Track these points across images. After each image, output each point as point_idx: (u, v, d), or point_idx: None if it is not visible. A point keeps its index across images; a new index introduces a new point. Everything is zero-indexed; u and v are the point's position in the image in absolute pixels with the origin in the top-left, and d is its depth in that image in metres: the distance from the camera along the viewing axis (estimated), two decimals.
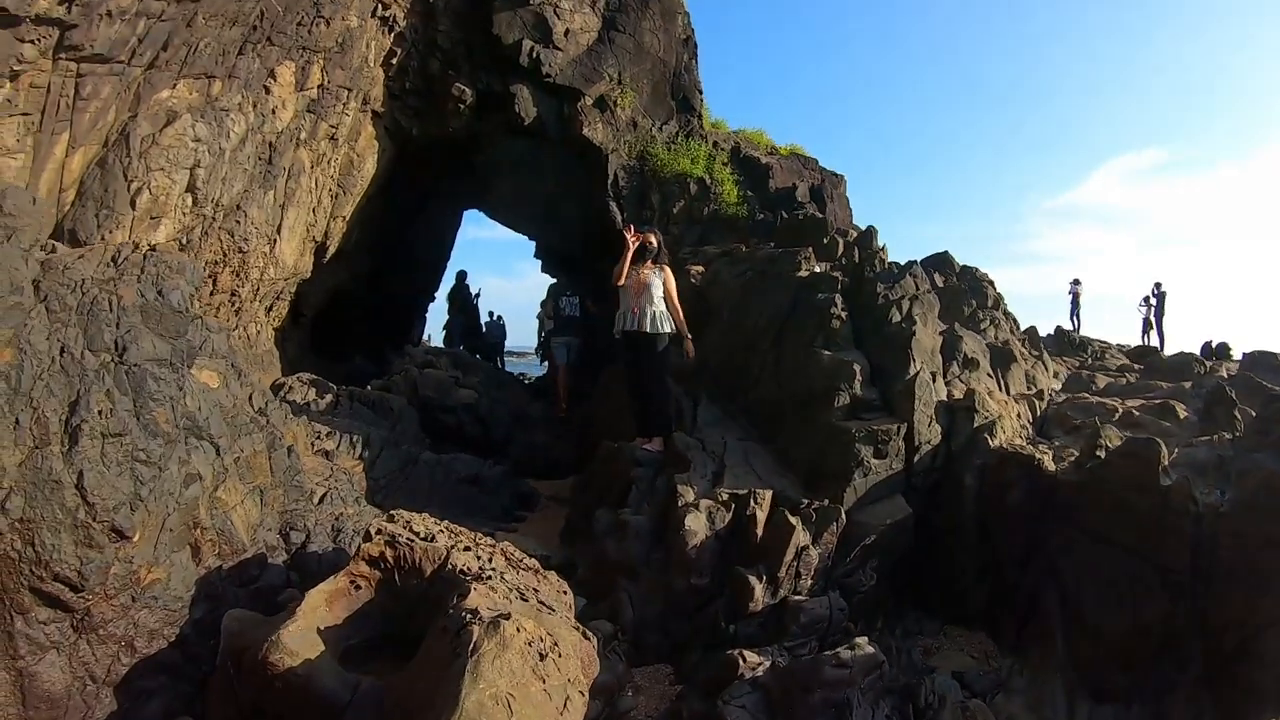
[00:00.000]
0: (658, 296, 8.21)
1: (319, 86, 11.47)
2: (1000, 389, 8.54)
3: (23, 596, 3.89)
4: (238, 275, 10.72)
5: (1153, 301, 24.37)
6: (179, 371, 4.64)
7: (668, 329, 8.23)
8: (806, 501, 6.63)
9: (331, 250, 13.19)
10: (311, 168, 11.84)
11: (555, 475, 10.71)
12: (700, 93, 14.43)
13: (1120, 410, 8.27)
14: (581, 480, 8.78)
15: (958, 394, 7.87)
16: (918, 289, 8.52)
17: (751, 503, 6.51)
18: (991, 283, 10.50)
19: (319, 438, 7.64)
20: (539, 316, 20.71)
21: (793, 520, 6.25)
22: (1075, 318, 25.44)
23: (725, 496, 6.67)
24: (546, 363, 15.04)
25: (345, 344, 16.87)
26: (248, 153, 10.20)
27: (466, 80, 13.05)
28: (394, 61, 12.97)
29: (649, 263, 8.38)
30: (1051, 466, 6.83)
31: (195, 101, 9.63)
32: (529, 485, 9.33)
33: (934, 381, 7.63)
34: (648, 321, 8.10)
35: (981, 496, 7.08)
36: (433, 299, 20.99)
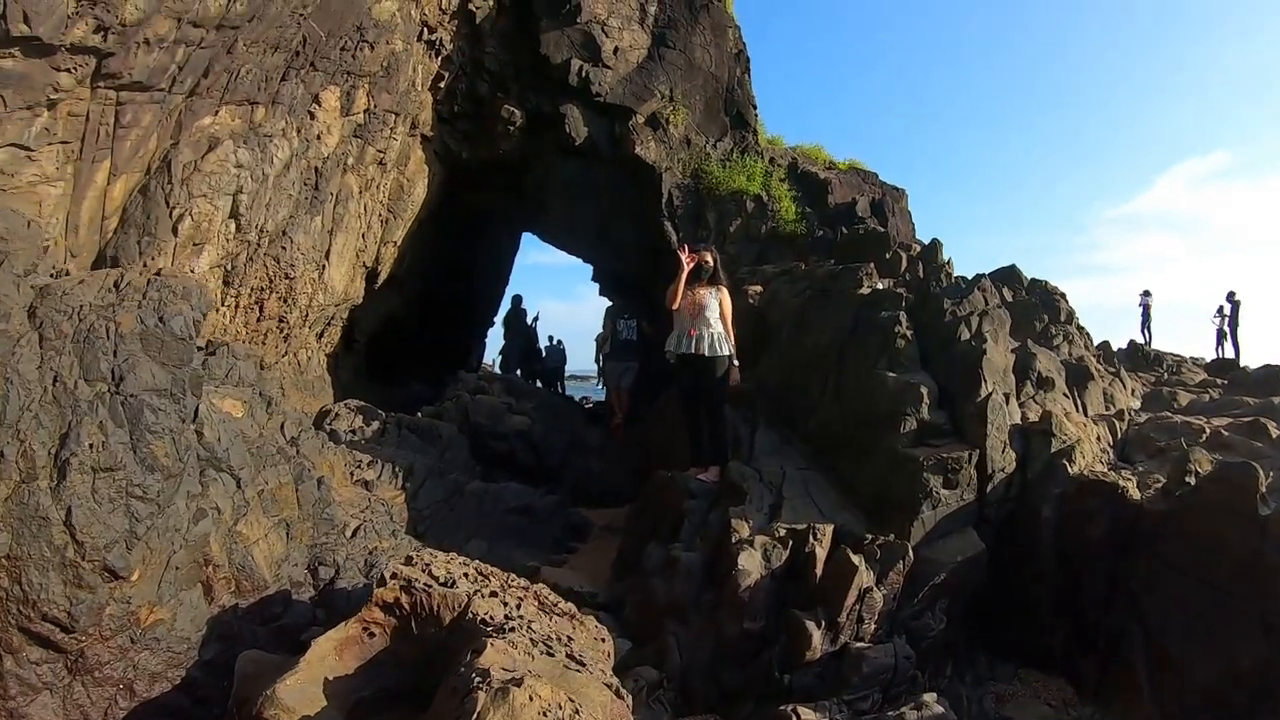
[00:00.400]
0: (714, 318, 7.79)
1: (365, 111, 11.38)
2: (1077, 409, 7.98)
3: (11, 636, 3.67)
4: (285, 301, 10.62)
5: (1226, 311, 23.24)
6: (180, 402, 4.40)
7: (726, 351, 7.78)
8: (870, 537, 6.15)
9: (383, 276, 13.11)
10: (360, 193, 11.76)
11: (611, 503, 10.37)
12: (754, 108, 14.08)
13: (1207, 430, 7.63)
14: (634, 510, 8.35)
15: (1033, 416, 7.32)
16: (987, 304, 8.00)
17: (811, 539, 6.05)
18: (1063, 296, 9.89)
19: (359, 467, 7.42)
20: (597, 340, 20.49)
21: (855, 559, 5.78)
22: (1147, 330, 24.36)
23: (783, 532, 6.20)
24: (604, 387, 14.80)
25: (401, 370, 16.85)
26: (292, 178, 10.11)
27: (515, 102, 12.90)
28: (441, 85, 12.87)
29: (704, 283, 7.95)
30: (1136, 495, 6.28)
31: (238, 128, 9.57)
32: (582, 515, 9.00)
33: (1007, 404, 7.07)
34: (705, 344, 7.69)
35: (1060, 528, 6.52)
36: (491, 324, 21.01)
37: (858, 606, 5.70)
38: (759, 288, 10.64)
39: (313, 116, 10.57)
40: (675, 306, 7.86)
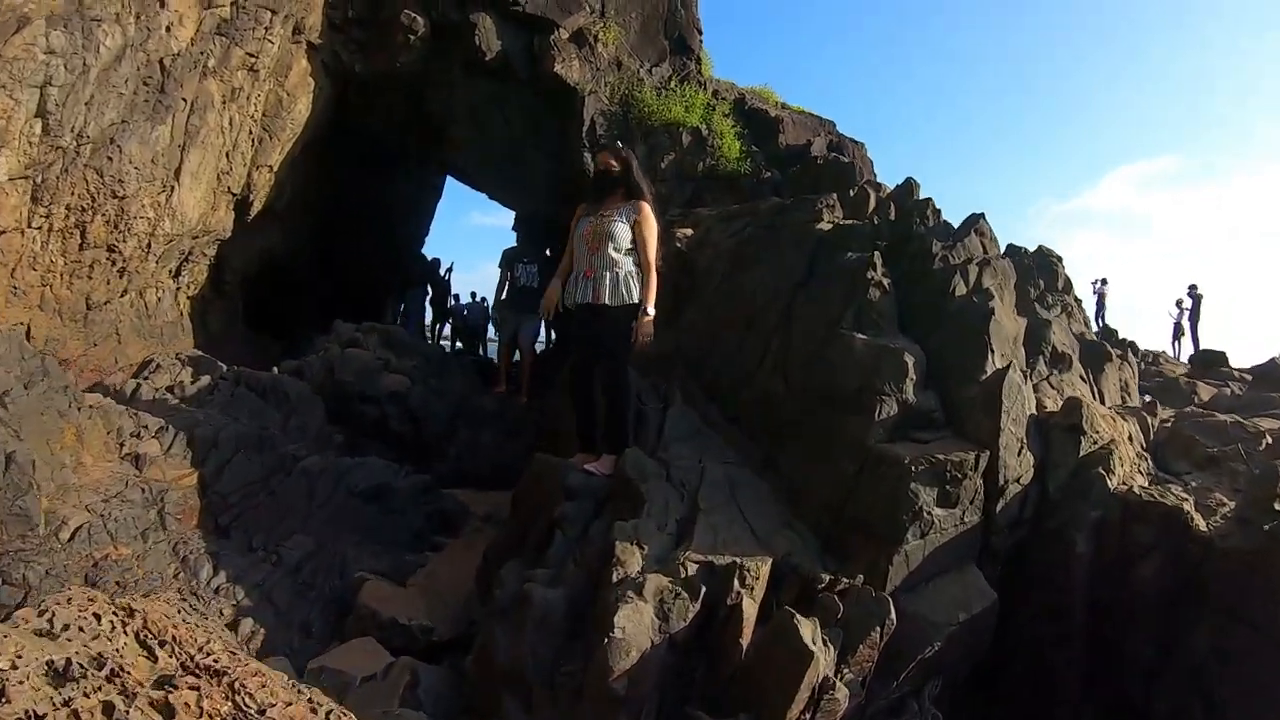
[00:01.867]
0: (622, 250, 5.75)
1: (232, 4, 9.52)
2: (1095, 398, 6.48)
3: None
4: (115, 227, 8.78)
5: (1186, 305, 22.31)
6: None
7: (634, 299, 5.71)
8: (828, 579, 4.44)
9: (257, 206, 11.26)
10: (224, 103, 9.89)
11: (503, 484, 8.76)
12: (700, 33, 12.45)
13: (1268, 437, 6.09)
14: (512, 505, 6.34)
15: (1050, 404, 5.77)
16: (986, 252, 6.44)
17: (735, 584, 4.20)
18: (1059, 259, 8.26)
19: (135, 436, 5.69)
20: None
21: (806, 633, 3.93)
22: (1101, 320, 23.21)
23: (692, 569, 4.25)
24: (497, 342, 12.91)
25: (295, 322, 14.97)
26: (124, 74, 8.25)
27: (418, 7, 11.06)
28: None
29: (615, 198, 5.96)
30: (1202, 524, 4.77)
31: (57, 7, 7.68)
32: (455, 501, 7.34)
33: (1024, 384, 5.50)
34: (605, 289, 5.70)
35: (1097, 567, 4.98)
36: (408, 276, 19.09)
37: (809, 714, 3.90)
38: (689, 230, 9.04)
39: (162, 3, 8.68)
40: (572, 235, 6.06)
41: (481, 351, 19.82)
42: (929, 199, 8.47)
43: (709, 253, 7.68)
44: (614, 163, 5.97)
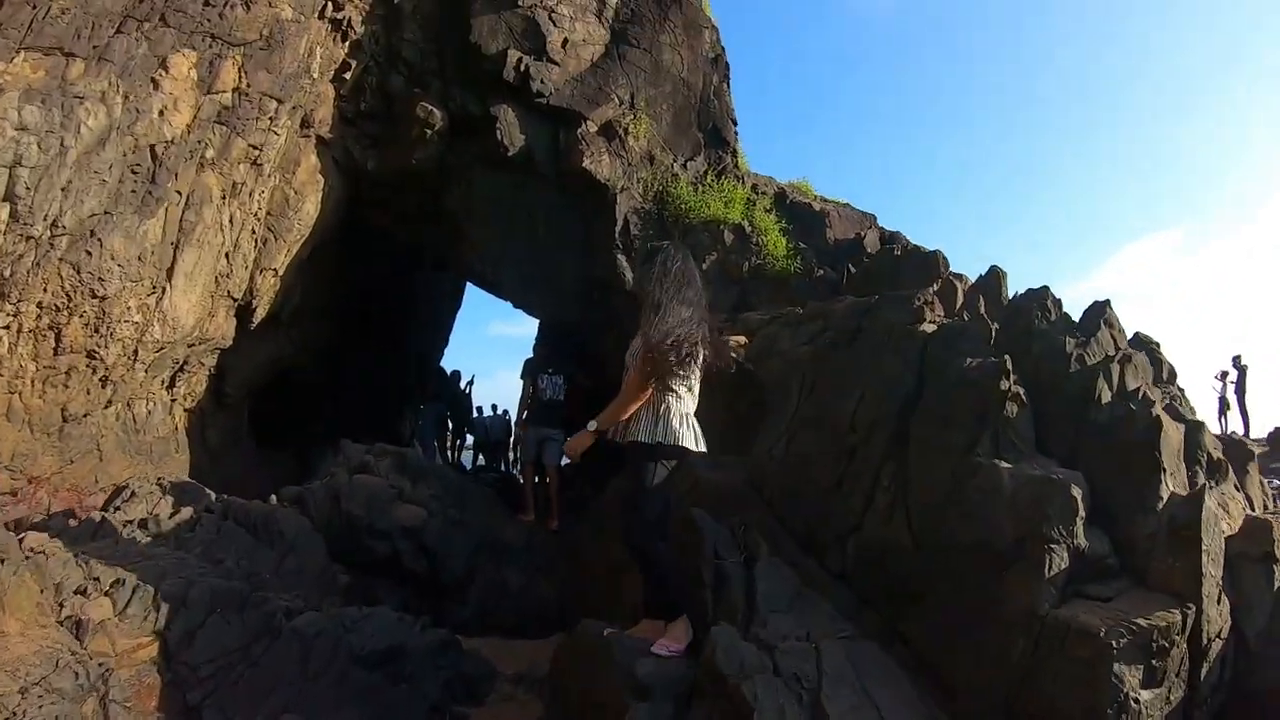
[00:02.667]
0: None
1: (235, 90, 8.73)
2: (1248, 507, 5.27)
3: None
4: (95, 331, 7.77)
5: (1232, 378, 20.82)
6: None
7: (641, 434, 4.48)
8: None
9: (260, 313, 10.29)
10: (224, 198, 9.00)
11: (532, 633, 7.56)
12: (734, 124, 11.64)
13: None
14: (551, 693, 5.13)
15: (1226, 529, 4.54)
16: (1118, 346, 5.33)
17: None
18: (1158, 344, 7.08)
19: (80, 593, 4.53)
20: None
21: None
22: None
23: None
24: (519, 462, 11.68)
25: (304, 439, 13.87)
26: (108, 159, 7.36)
27: (436, 100, 10.29)
28: (347, 76, 10.31)
29: None
30: None
31: (36, 80, 6.87)
32: (479, 659, 6.06)
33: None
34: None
35: None
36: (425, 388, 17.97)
37: None
38: (743, 339, 7.99)
39: (156, 85, 7.87)
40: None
41: (504, 467, 18.80)
42: (1045, 287, 7.45)
43: (777, 365, 6.58)
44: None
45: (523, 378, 10.31)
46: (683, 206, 10.27)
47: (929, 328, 5.71)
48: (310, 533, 6.86)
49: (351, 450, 8.96)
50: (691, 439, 4.50)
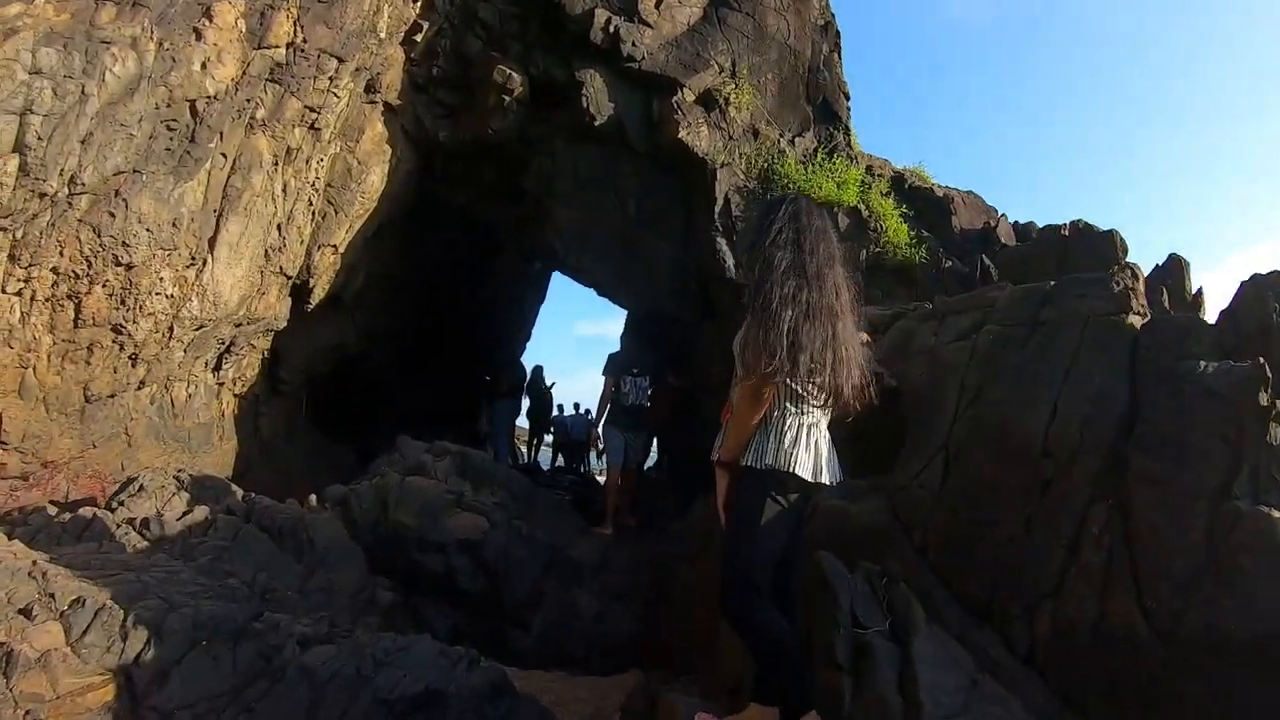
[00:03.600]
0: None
1: (289, 46, 7.73)
2: None
3: None
4: (121, 303, 6.78)
5: None
6: None
7: (750, 455, 3.18)
8: None
9: (318, 294, 9.29)
10: (275, 165, 8.02)
11: (608, 667, 6.34)
12: (847, 98, 10.30)
13: None
14: None
15: None
16: None
17: None
18: None
19: (25, 614, 3.47)
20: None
21: None
22: None
23: None
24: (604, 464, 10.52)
25: (375, 428, 12.88)
26: (137, 110, 6.36)
27: (515, 64, 9.17)
28: (418, 39, 9.25)
29: None
30: None
31: (60, 23, 5.92)
32: (536, 706, 4.80)
33: None
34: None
35: None
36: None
37: None
38: (865, 337, 6.64)
39: (198, 35, 6.88)
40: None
41: (583, 469, 17.87)
42: (1197, 290, 5.98)
43: (920, 366, 5.19)
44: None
45: (605, 374, 9.14)
46: (791, 186, 8.96)
47: (1134, 320, 4.30)
48: (345, 543, 5.76)
49: (409, 448, 7.87)
50: (810, 465, 3.16)
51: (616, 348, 11.30)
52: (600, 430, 9.02)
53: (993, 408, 4.41)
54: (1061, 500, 3.88)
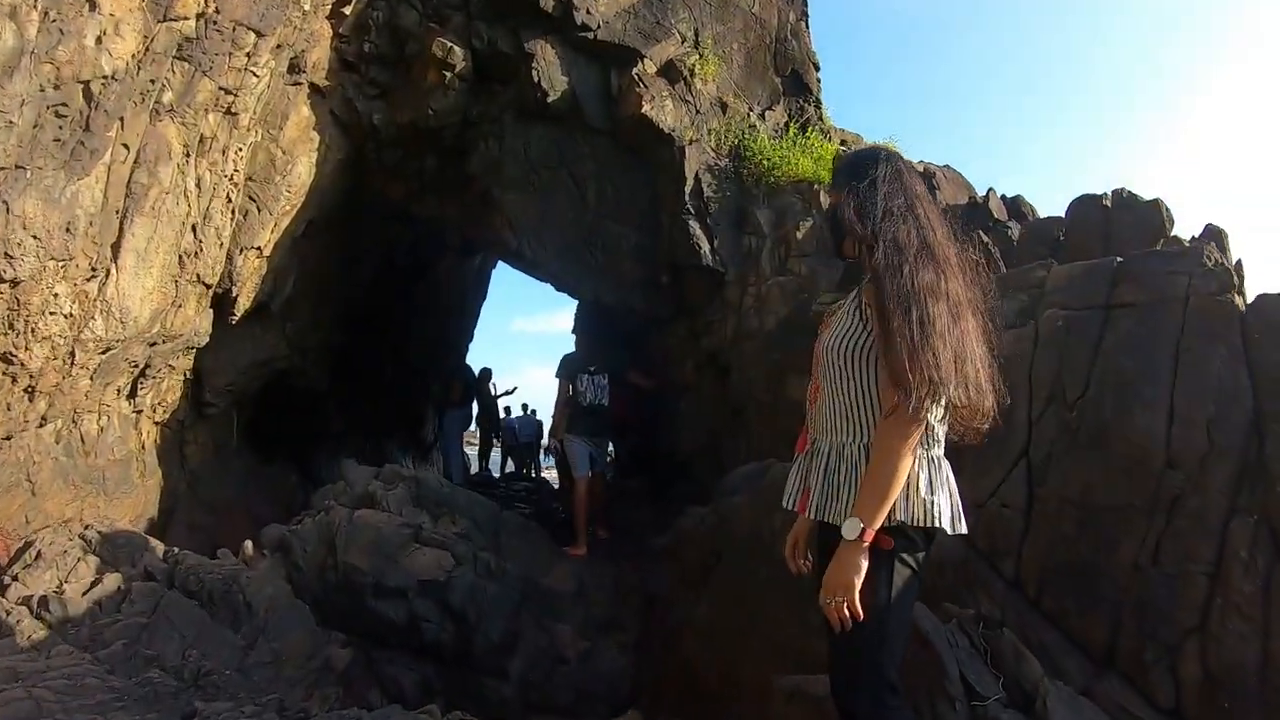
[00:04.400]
0: (855, 388, 2.45)
1: (200, 17, 6.66)
2: None
3: None
4: (9, 326, 5.71)
5: None
6: None
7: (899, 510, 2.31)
8: None
9: (243, 303, 8.25)
10: (189, 156, 6.95)
11: (598, 709, 5.65)
12: (817, 69, 9.56)
13: None
14: None
15: None
16: None
17: None
18: None
19: None
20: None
21: None
22: None
23: None
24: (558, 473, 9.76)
25: (311, 448, 11.84)
26: (18, 93, 5.31)
27: (457, 37, 8.20)
28: (347, 11, 8.19)
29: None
30: None
31: None
32: None
33: None
34: (817, 485, 2.50)
35: None
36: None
37: None
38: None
39: (92, 5, 5.82)
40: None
41: (534, 473, 17.39)
42: (1237, 262, 5.26)
43: None
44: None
45: (559, 377, 8.33)
46: (765, 164, 8.21)
47: (1239, 301, 3.59)
48: (289, 601, 4.87)
49: (355, 474, 6.91)
50: (949, 512, 2.38)
51: (557, 344, 10.54)
52: (562, 440, 8.25)
53: (1087, 408, 3.65)
54: (1196, 519, 3.15)
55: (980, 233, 7.94)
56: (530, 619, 6.02)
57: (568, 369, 8.31)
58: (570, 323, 13.80)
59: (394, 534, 5.83)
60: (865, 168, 2.51)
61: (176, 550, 5.13)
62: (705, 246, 7.59)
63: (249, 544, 5.61)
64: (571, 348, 10.59)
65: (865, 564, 2.22)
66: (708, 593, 5.21)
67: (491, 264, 16.67)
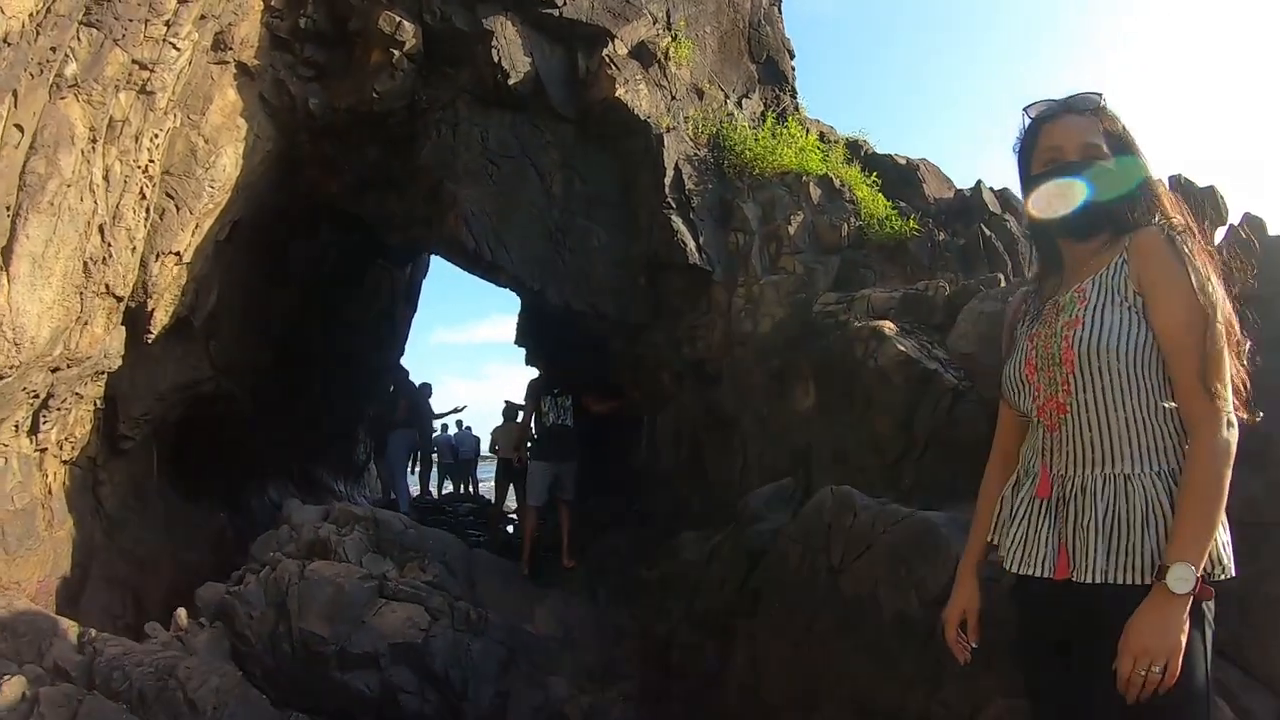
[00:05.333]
0: (1131, 390, 1.86)
1: None
2: None
3: None
4: None
5: None
6: None
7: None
8: None
9: (161, 318, 7.16)
10: (95, 142, 5.92)
11: None
12: (791, 56, 8.90)
13: None
14: None
15: None
16: None
17: None
18: None
19: None
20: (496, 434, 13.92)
21: None
22: None
23: None
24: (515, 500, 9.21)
25: (240, 478, 10.65)
26: None
27: (406, 11, 7.29)
28: None
29: (1093, 243, 2.05)
30: None
31: None
32: None
33: None
34: (1094, 536, 1.83)
35: None
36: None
37: None
38: (888, 328, 5.29)
39: None
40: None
41: (473, 489, 16.76)
42: None
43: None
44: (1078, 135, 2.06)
45: (526, 400, 8.18)
46: (746, 154, 7.48)
47: None
48: (240, 693, 3.86)
49: (300, 515, 5.95)
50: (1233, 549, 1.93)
51: (481, 355, 9.79)
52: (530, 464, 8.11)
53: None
54: None
55: (981, 226, 7.39)
56: (520, 675, 5.15)
57: (532, 392, 8.14)
58: (507, 333, 12.96)
59: (356, 589, 4.91)
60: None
61: (94, 634, 4.11)
62: (691, 243, 6.83)
63: (182, 612, 4.64)
64: (516, 360, 10.10)
65: (1178, 610, 1.71)
66: (746, 640, 4.43)
67: (422, 274, 15.94)
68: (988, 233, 7.18)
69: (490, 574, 6.14)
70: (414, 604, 5.01)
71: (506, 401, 11.20)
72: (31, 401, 6.27)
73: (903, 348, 5.10)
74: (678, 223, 6.92)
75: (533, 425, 8.30)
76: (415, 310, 16.38)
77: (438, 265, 17.94)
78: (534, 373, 12.35)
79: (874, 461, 5.10)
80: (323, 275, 11.16)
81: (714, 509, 6.63)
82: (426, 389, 13.70)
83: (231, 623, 4.55)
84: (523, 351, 12.00)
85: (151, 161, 6.54)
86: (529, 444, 8.57)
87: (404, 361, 15.08)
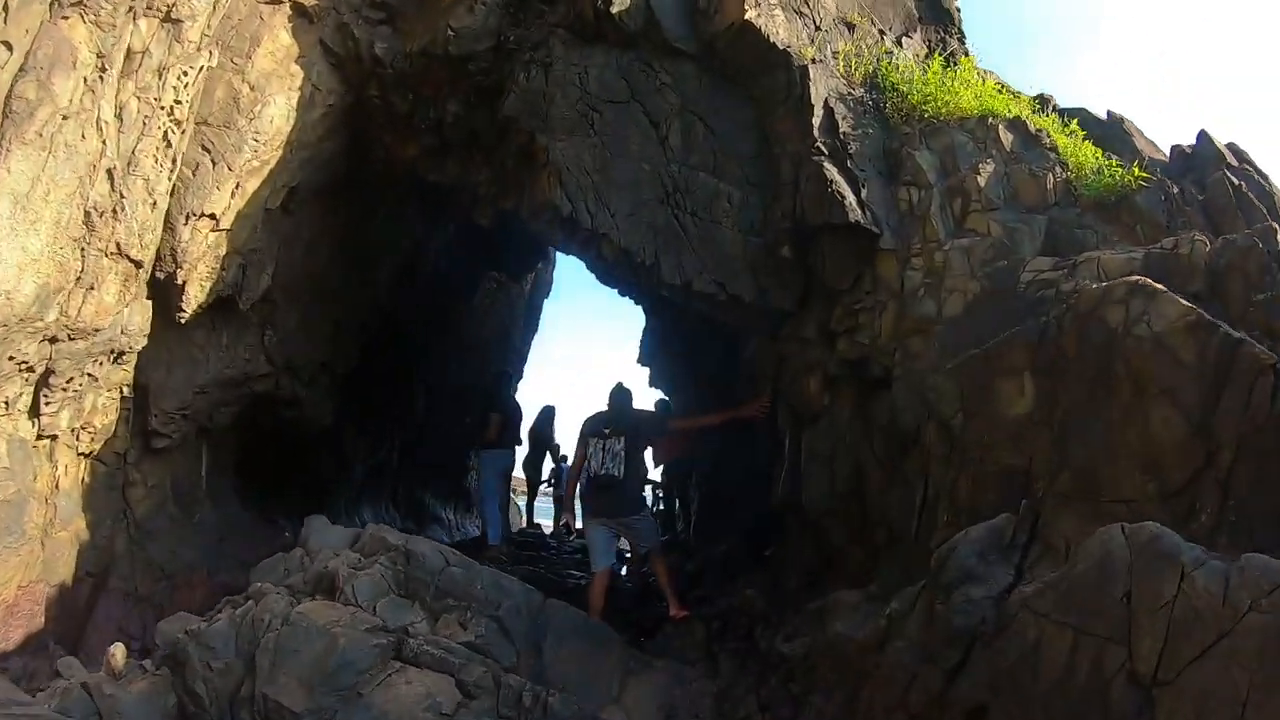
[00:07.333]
0: None
1: None
2: None
3: None
4: None
5: None
6: None
7: None
8: None
9: (195, 294, 6.02)
10: (103, 69, 4.81)
11: None
12: None
13: None
14: None
15: None
16: None
17: None
18: None
19: None
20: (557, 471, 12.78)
21: None
22: None
23: None
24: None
25: (328, 497, 9.42)
26: None
27: None
28: None
29: None
30: None
31: None
32: None
33: None
34: None
35: None
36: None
37: None
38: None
39: None
40: None
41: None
42: None
43: None
44: None
45: (579, 440, 6.95)
46: (914, 95, 5.96)
47: None
48: None
49: (321, 537, 4.56)
50: None
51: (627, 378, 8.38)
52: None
53: None
54: None
55: (1227, 174, 5.70)
56: None
57: (584, 429, 6.85)
58: (632, 351, 11.70)
59: (358, 646, 3.51)
60: None
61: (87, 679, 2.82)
62: (851, 197, 5.32)
63: (119, 649, 3.34)
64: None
65: None
66: None
67: (544, 293, 15.66)
68: (1237, 181, 5.50)
69: (567, 636, 4.58)
70: (441, 673, 3.55)
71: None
72: (25, 375, 5.18)
73: (1190, 305, 3.50)
74: (832, 171, 5.42)
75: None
76: (536, 330, 15.85)
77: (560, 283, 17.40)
78: (659, 394, 11.22)
79: (1147, 485, 3.44)
80: (425, 280, 10.05)
81: (881, 559, 5.16)
82: (549, 412, 12.41)
83: (182, 672, 3.20)
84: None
85: (178, 103, 5.43)
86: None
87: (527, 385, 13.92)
